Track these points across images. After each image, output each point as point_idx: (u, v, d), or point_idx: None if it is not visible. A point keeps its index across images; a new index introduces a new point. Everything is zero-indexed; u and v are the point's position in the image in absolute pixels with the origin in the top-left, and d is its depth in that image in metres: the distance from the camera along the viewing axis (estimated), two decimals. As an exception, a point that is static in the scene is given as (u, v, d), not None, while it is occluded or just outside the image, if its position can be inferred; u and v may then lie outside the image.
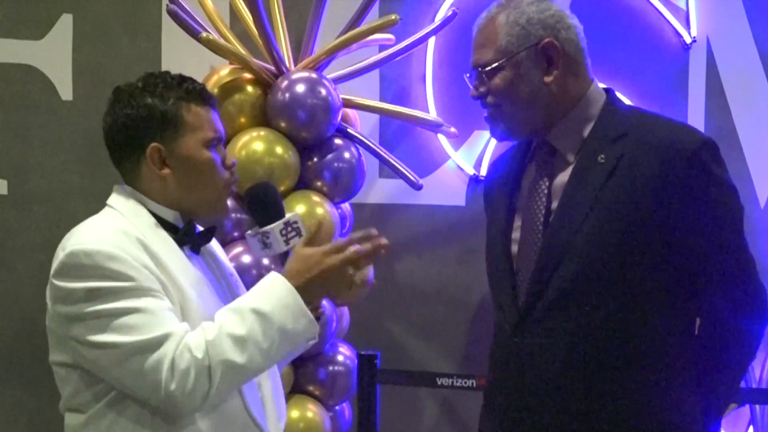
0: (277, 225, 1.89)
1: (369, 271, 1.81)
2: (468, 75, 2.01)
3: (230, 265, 2.08)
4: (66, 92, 3.55)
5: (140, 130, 1.84)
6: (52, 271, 1.76)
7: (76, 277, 1.72)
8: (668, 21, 3.81)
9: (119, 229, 1.79)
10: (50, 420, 3.43)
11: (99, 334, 1.70)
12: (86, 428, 1.79)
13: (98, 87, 3.53)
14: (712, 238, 1.87)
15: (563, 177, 1.95)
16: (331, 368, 3.28)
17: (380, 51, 3.53)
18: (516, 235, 2.00)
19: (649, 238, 1.84)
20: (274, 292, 1.77)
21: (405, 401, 3.72)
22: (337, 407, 3.38)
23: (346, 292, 1.83)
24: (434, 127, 3.47)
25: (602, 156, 1.89)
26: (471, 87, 2.01)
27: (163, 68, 3.53)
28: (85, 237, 1.77)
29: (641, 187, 1.84)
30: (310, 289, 1.79)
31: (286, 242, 1.89)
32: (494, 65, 1.93)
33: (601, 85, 2.05)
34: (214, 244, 2.04)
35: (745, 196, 3.90)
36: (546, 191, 1.95)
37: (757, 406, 3.68)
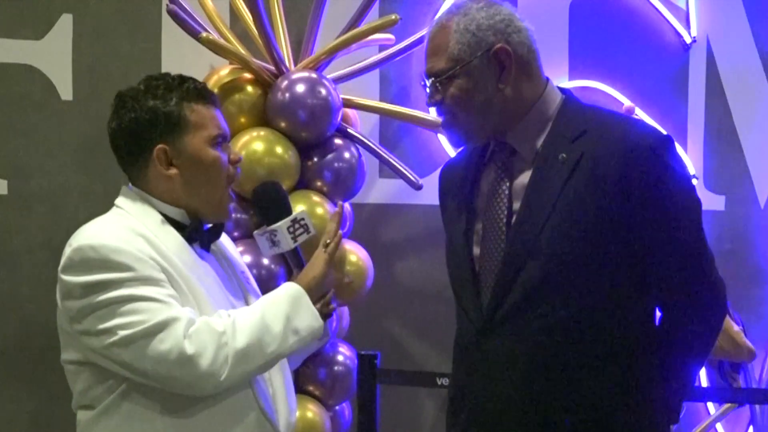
0: (284, 222, 1.91)
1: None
2: (423, 83, 2.01)
3: (242, 263, 2.09)
4: (66, 92, 3.55)
5: (146, 133, 1.86)
6: (60, 268, 1.78)
7: (83, 270, 1.75)
8: (668, 21, 3.81)
9: (126, 226, 1.82)
10: (50, 420, 3.40)
11: (108, 321, 1.73)
12: (98, 424, 1.81)
13: (98, 87, 3.53)
14: (672, 232, 1.88)
15: (524, 178, 1.94)
16: (331, 368, 3.28)
17: (380, 51, 3.53)
18: (477, 237, 2.01)
19: (611, 234, 1.85)
20: (283, 290, 1.87)
21: (405, 401, 3.72)
22: (337, 407, 3.38)
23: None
24: (434, 127, 3.47)
25: (563, 155, 1.89)
26: (426, 95, 2.01)
27: (163, 68, 3.57)
28: (91, 232, 1.80)
29: (603, 185, 1.84)
30: (317, 287, 1.91)
31: (294, 239, 1.91)
32: (447, 74, 1.93)
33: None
34: (227, 242, 2.06)
35: (745, 196, 3.92)
36: (507, 192, 1.95)
37: (757, 406, 3.69)
